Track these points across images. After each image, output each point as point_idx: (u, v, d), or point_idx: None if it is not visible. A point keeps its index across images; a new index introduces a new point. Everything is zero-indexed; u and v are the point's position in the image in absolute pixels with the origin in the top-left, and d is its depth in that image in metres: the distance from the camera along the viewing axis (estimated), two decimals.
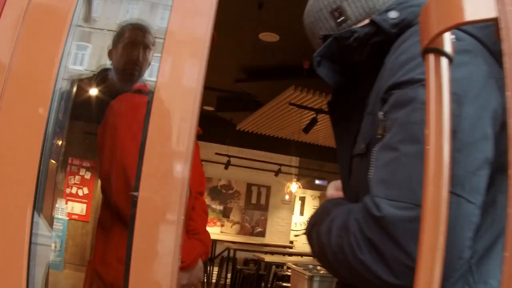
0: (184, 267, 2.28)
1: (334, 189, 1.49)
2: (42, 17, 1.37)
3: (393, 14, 1.27)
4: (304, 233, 1.32)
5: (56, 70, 1.32)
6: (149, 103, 1.34)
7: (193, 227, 2.54)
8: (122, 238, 2.02)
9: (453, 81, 0.94)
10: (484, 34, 1.17)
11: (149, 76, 2.31)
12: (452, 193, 0.88)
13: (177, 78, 1.37)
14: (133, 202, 1.29)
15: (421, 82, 1.03)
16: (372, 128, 1.20)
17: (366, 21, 1.35)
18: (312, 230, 1.27)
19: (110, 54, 2.42)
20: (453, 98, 0.94)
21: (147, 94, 2.01)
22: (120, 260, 2.01)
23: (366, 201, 1.05)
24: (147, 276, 1.26)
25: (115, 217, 2.16)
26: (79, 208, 10.68)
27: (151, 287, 1.27)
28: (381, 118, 1.13)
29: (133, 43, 2.35)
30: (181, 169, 1.32)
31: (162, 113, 1.34)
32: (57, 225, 9.56)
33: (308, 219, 1.36)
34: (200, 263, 2.43)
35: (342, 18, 1.40)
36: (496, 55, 1.18)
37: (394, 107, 1.10)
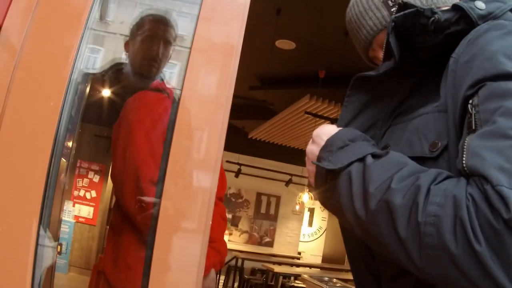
0: None
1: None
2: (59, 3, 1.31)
3: (480, 5, 1.17)
4: (335, 167, 1.08)
5: (72, 60, 1.25)
6: (173, 111, 1.27)
7: (210, 235, 2.42)
8: (132, 243, 1.94)
9: None
10: None
11: (175, 82, 2.20)
12: None
13: (206, 87, 1.31)
14: (154, 210, 1.22)
15: None
16: (444, 127, 1.07)
17: (445, 7, 1.25)
18: (351, 167, 1.06)
19: (127, 46, 2.26)
20: None
21: (167, 94, 1.92)
22: (129, 265, 1.93)
23: (483, 187, 0.85)
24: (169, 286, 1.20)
25: (126, 221, 2.06)
26: (86, 211, 10.70)
27: None
28: (473, 112, 0.99)
29: (153, 36, 2.21)
30: (209, 177, 1.25)
31: (188, 122, 1.27)
32: (63, 228, 9.59)
33: (333, 143, 1.14)
34: (212, 274, 2.34)
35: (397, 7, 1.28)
36: None
37: (490, 99, 0.96)
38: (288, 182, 12.92)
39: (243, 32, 1.36)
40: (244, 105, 10.78)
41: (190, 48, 1.33)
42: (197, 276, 1.21)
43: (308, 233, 14.56)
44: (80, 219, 10.39)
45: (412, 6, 1.21)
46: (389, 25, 1.22)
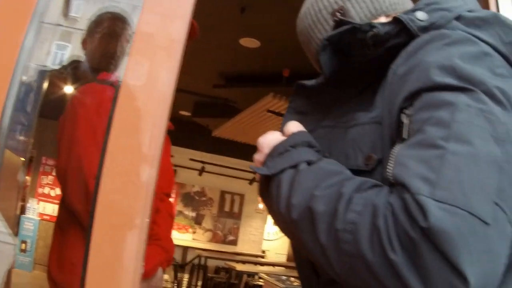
0: (143, 276, 2.11)
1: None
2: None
3: (421, 16, 1.14)
4: (269, 172, 1.08)
5: (16, 55, 1.23)
6: (114, 101, 1.24)
7: (156, 231, 2.39)
8: (78, 241, 1.90)
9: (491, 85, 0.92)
10: (510, 51, 1.09)
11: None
12: (501, 209, 0.81)
13: (146, 80, 1.29)
14: (92, 204, 1.19)
15: (460, 87, 0.92)
16: (379, 140, 1.06)
17: (383, 19, 1.27)
18: (283, 174, 1.05)
19: (84, 43, 2.25)
20: (497, 104, 0.90)
21: (112, 84, 1.89)
22: (73, 263, 1.88)
23: (404, 197, 0.83)
24: (105, 284, 1.18)
25: (72, 218, 2.02)
26: (50, 208, 10.58)
27: None
28: (405, 122, 0.98)
29: (111, 34, 2.19)
30: (146, 174, 1.23)
31: (128, 113, 1.25)
32: (28, 225, 9.48)
33: (273, 152, 1.12)
34: (160, 272, 2.32)
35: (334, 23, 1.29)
36: None
37: (423, 109, 0.95)
38: (252, 181, 12.92)
39: (187, 26, 1.35)
40: (208, 103, 10.75)
41: (132, 40, 1.31)
42: (134, 272, 1.19)
43: (272, 231, 14.57)
44: (45, 217, 10.27)
45: (348, 22, 1.20)
46: (321, 44, 1.21)
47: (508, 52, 1.07)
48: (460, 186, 0.80)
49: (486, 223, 0.78)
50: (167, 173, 2.63)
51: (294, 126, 1.20)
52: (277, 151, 1.11)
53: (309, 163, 1.06)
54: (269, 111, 8.30)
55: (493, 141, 0.85)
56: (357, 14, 1.33)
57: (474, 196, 0.79)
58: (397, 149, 0.95)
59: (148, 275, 2.22)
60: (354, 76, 1.29)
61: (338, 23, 1.23)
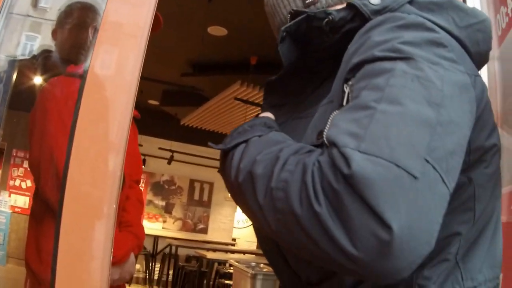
0: (115, 262, 2.15)
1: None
2: None
3: (374, 0, 1.17)
4: (223, 147, 1.12)
5: None
6: (80, 91, 1.25)
7: (126, 218, 2.45)
8: (52, 231, 1.92)
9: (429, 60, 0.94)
10: (465, 35, 1.13)
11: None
12: (432, 166, 0.82)
13: (111, 68, 1.29)
14: (61, 193, 1.20)
15: (399, 57, 0.95)
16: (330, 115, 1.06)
17: (340, 6, 1.27)
18: (236, 148, 1.08)
19: (54, 34, 2.25)
20: (434, 73, 0.93)
21: (80, 77, 1.91)
22: (50, 253, 1.90)
23: (331, 152, 0.85)
24: (75, 271, 1.19)
25: (46, 208, 2.05)
26: (22, 201, 10.44)
27: (80, 282, 1.19)
28: (347, 91, 1.01)
29: (81, 25, 2.19)
30: (112, 161, 1.24)
31: (94, 102, 1.26)
32: (0, 218, 9.31)
33: (233, 132, 1.15)
34: (132, 258, 2.36)
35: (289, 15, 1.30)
36: (476, 57, 1.16)
37: (363, 78, 0.97)
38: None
39: (153, 14, 1.35)
40: (176, 92, 10.71)
41: (98, 29, 1.32)
42: (102, 260, 1.21)
43: (242, 219, 14.60)
44: (17, 209, 10.10)
45: (303, 12, 1.23)
46: (279, 35, 1.25)
47: (462, 36, 1.12)
48: (387, 140, 0.82)
49: (414, 176, 0.79)
50: (135, 161, 2.67)
51: (262, 114, 1.24)
52: (236, 131, 1.14)
53: (260, 136, 1.09)
54: (236, 98, 8.32)
55: (427, 104, 0.87)
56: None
57: (402, 150, 0.81)
58: (334, 114, 0.98)
59: (120, 260, 2.25)
60: (317, 64, 1.32)
61: (294, 14, 1.27)
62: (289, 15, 1.31)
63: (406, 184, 0.79)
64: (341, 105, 1.00)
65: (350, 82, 1.01)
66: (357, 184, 0.78)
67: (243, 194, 1.00)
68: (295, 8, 1.34)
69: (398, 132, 0.83)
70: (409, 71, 0.91)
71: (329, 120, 0.97)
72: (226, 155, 1.12)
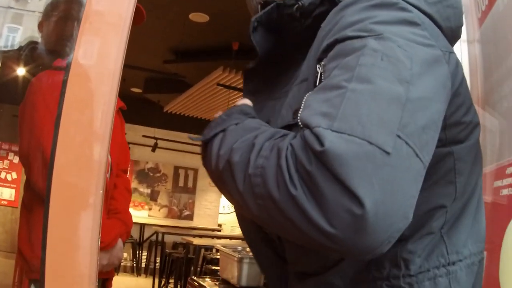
0: (103, 247, 2.23)
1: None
2: None
3: None
4: (202, 139, 1.13)
5: None
6: (65, 81, 1.25)
7: (114, 206, 2.51)
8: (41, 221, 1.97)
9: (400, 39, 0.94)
10: (435, 10, 1.14)
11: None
12: (405, 142, 0.84)
13: (95, 58, 1.30)
14: (48, 183, 1.21)
15: (371, 35, 0.95)
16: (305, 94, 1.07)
17: None
18: (215, 138, 1.09)
19: (41, 26, 2.25)
20: (403, 52, 0.93)
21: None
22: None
23: (303, 133, 0.87)
24: (64, 259, 1.20)
25: (37, 198, 2.09)
26: (8, 193, 10.38)
27: (69, 270, 1.21)
28: (319, 72, 1.02)
29: (67, 17, 2.19)
30: (97, 151, 1.25)
31: (78, 94, 1.26)
32: None
33: (212, 122, 1.15)
34: (120, 243, 2.40)
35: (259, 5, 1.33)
36: (447, 32, 1.18)
37: (335, 57, 0.98)
38: None
39: (134, 3, 1.36)
40: (159, 79, 10.68)
41: (81, 17, 1.32)
42: (91, 247, 1.22)
43: (227, 205, 14.62)
44: (2, 202, 10.05)
45: (272, 1, 1.26)
46: (251, 26, 1.27)
47: (432, 11, 1.12)
48: (359, 118, 0.83)
49: (386, 152, 0.81)
50: (123, 150, 2.71)
51: (240, 101, 1.24)
52: (214, 121, 1.14)
53: (236, 124, 1.10)
54: (219, 84, 8.31)
55: (397, 81, 0.88)
56: None
57: (373, 127, 0.82)
58: (307, 95, 0.99)
59: (108, 246, 2.30)
60: (292, 49, 1.33)
61: (263, 4, 1.30)
62: (259, 5, 1.33)
63: (378, 160, 0.80)
64: (315, 85, 1.01)
65: (322, 62, 1.02)
66: (329, 162, 0.80)
67: (224, 183, 1.02)
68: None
69: (369, 109, 0.85)
70: (378, 49, 0.92)
71: (303, 101, 0.98)
72: (206, 146, 1.13)
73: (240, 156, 0.97)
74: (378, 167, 0.80)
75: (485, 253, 1.27)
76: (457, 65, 1.11)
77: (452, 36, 1.23)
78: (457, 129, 1.10)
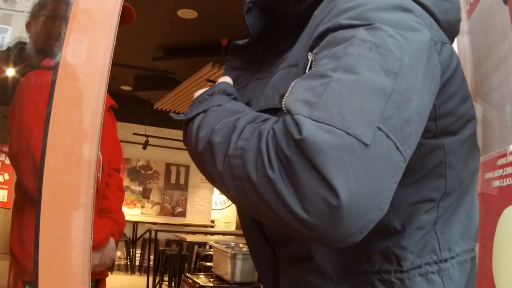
0: (95, 246, 2.22)
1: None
2: None
3: None
4: (184, 118, 1.15)
5: None
6: (53, 80, 1.25)
7: (106, 205, 2.52)
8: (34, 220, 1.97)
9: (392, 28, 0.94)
10: (432, 3, 1.14)
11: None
12: (385, 134, 0.85)
13: (83, 57, 1.29)
14: (38, 183, 1.21)
15: (363, 24, 0.96)
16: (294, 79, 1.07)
17: None
18: (196, 117, 1.11)
19: (29, 26, 2.25)
20: (394, 42, 0.93)
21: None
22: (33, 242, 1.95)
23: (284, 119, 0.88)
24: (56, 259, 1.20)
25: (28, 199, 2.09)
26: (0, 194, 10.34)
27: (62, 270, 1.20)
28: (310, 60, 1.03)
29: (55, 17, 2.18)
30: (87, 150, 1.24)
31: (67, 93, 1.26)
32: None
33: (194, 101, 1.17)
34: (112, 242, 2.40)
35: None
36: (445, 25, 1.18)
37: (325, 47, 0.99)
38: None
39: (121, 2, 1.35)
40: (148, 76, 10.66)
41: (69, 18, 1.31)
42: (83, 247, 1.21)
43: (219, 200, 14.64)
44: None
45: None
46: (245, 6, 1.28)
47: (429, 4, 1.13)
48: (340, 109, 0.84)
49: (365, 144, 0.82)
50: (115, 149, 2.72)
51: (221, 79, 1.25)
52: (197, 100, 1.15)
53: (218, 106, 1.11)
54: (208, 80, 8.31)
55: (383, 73, 0.89)
56: None
57: (353, 118, 0.83)
58: (294, 82, 0.99)
59: (100, 245, 2.30)
60: (285, 31, 1.33)
61: None
62: None
63: (356, 151, 0.81)
64: (304, 72, 1.02)
65: (314, 51, 1.02)
66: (307, 150, 0.81)
67: (204, 163, 1.03)
68: None
69: (351, 100, 0.85)
70: (368, 39, 0.92)
71: (290, 86, 0.99)
72: (187, 125, 1.14)
73: (221, 137, 0.98)
74: (355, 158, 0.81)
75: (477, 250, 1.27)
76: (451, 55, 1.11)
77: (450, 30, 1.23)
78: (449, 120, 1.10)
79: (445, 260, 1.09)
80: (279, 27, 1.34)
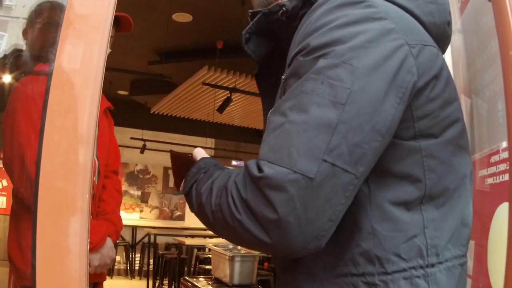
0: (92, 248, 2.26)
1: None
2: None
3: None
4: (183, 192, 1.33)
5: None
6: (48, 86, 1.26)
7: (102, 208, 2.55)
8: (30, 226, 1.97)
9: (352, 48, 1.03)
10: (415, 5, 1.18)
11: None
12: (331, 164, 0.99)
13: (77, 61, 1.30)
14: (35, 189, 1.21)
15: (322, 53, 1.05)
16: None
17: None
18: (192, 189, 1.27)
19: (25, 33, 2.26)
20: (347, 68, 1.02)
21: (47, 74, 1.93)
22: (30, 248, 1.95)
23: (248, 162, 1.09)
24: (54, 265, 1.20)
25: (23, 205, 2.12)
26: None
27: (59, 275, 1.21)
28: (283, 83, 1.16)
29: (51, 24, 2.19)
30: (82, 155, 1.25)
31: (61, 98, 1.26)
32: None
33: (186, 177, 1.34)
34: (109, 242, 2.41)
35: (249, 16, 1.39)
36: (432, 27, 1.22)
37: (291, 75, 1.12)
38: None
39: (114, 5, 1.36)
40: (145, 81, 10.66)
41: (62, 23, 1.32)
42: (80, 252, 1.22)
43: None
44: None
45: (258, 12, 1.34)
46: (243, 39, 1.37)
47: (412, 7, 1.18)
48: (288, 150, 1.01)
49: (309, 177, 0.98)
50: (112, 151, 2.72)
51: (196, 152, 1.43)
52: (189, 176, 1.31)
53: (205, 172, 1.28)
54: (204, 83, 8.31)
55: (331, 105, 1.01)
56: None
57: (299, 157, 0.99)
58: (269, 114, 1.16)
59: (97, 246, 2.32)
60: (287, 50, 1.36)
61: (252, 15, 1.37)
62: (249, 17, 1.39)
63: (302, 185, 0.98)
64: (281, 95, 1.17)
65: (284, 76, 1.17)
66: (262, 187, 1.01)
67: (202, 217, 1.22)
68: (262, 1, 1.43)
69: (298, 140, 1.01)
70: (323, 71, 1.03)
71: (268, 117, 1.17)
72: (186, 195, 1.31)
73: (205, 198, 1.17)
74: (301, 190, 0.98)
75: (471, 249, 1.27)
76: (434, 58, 1.13)
77: (438, 31, 1.25)
78: (429, 122, 1.12)
79: (432, 265, 1.11)
80: (283, 46, 1.37)
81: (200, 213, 1.22)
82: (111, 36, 2.36)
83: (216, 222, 1.14)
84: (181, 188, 1.36)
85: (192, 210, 1.29)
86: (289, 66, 1.14)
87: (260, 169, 1.03)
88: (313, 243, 1.01)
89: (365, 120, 1.01)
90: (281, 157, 1.01)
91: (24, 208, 2.09)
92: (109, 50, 2.33)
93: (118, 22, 2.42)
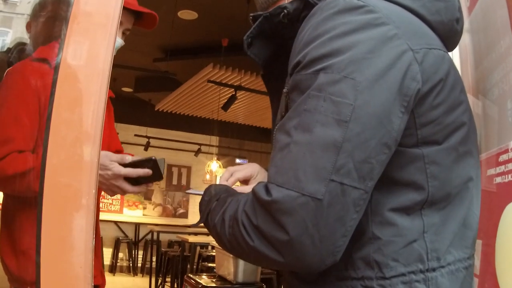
0: None
1: (229, 173, 1.56)
2: None
3: None
4: (200, 223, 1.38)
5: None
6: (54, 82, 1.25)
7: None
8: (25, 228, 1.93)
9: (353, 61, 1.02)
10: (420, 5, 1.17)
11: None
12: (339, 183, 0.99)
13: (83, 58, 1.29)
14: (40, 185, 1.21)
15: (322, 67, 1.04)
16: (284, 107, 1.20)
17: None
18: (208, 218, 1.30)
19: (29, 26, 2.22)
20: (349, 82, 1.01)
21: (48, 63, 1.90)
22: (25, 252, 1.91)
23: (256, 186, 1.10)
24: (58, 262, 1.20)
25: (17, 205, 2.05)
26: None
27: (64, 273, 1.20)
28: (286, 96, 1.15)
29: (56, 18, 2.17)
30: (89, 150, 1.25)
31: (68, 93, 1.26)
32: None
33: (201, 207, 1.39)
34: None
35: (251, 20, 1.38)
36: (439, 26, 1.21)
37: (293, 89, 1.11)
38: (197, 152, 12.87)
39: (121, 3, 1.35)
40: (149, 78, 10.68)
41: (69, 18, 1.31)
42: (85, 248, 1.21)
43: None
44: None
45: (259, 15, 1.33)
46: (245, 43, 1.36)
47: (416, 6, 1.17)
48: (295, 173, 1.01)
49: (318, 199, 0.98)
50: (113, 140, 2.69)
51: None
52: (203, 204, 1.36)
53: (217, 199, 1.31)
54: (209, 81, 8.32)
55: (335, 124, 1.00)
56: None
57: (307, 179, 0.99)
58: (276, 128, 1.16)
59: None
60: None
61: (253, 18, 1.36)
62: (251, 21, 1.38)
63: (311, 207, 0.98)
64: (283, 112, 1.16)
65: (285, 90, 1.16)
66: (272, 211, 1.02)
67: (221, 246, 1.23)
68: (264, 3, 1.45)
69: (304, 162, 1.01)
70: (324, 87, 1.02)
71: (274, 135, 1.18)
72: (205, 223, 1.33)
73: (220, 228, 1.20)
74: (311, 212, 0.99)
75: (479, 249, 1.26)
76: (440, 62, 1.12)
77: (445, 29, 1.23)
78: (433, 129, 1.11)
79: (433, 269, 1.10)
80: (287, 47, 1.36)
81: (219, 242, 1.24)
82: (128, 29, 2.34)
83: (233, 249, 1.17)
84: (199, 219, 1.40)
85: (211, 234, 1.32)
86: (290, 76, 1.13)
87: (268, 192, 1.04)
88: (329, 259, 1.03)
89: (371, 135, 1.01)
90: (288, 180, 1.02)
91: (16, 208, 2.04)
92: (122, 43, 2.31)
93: (138, 15, 2.41)
